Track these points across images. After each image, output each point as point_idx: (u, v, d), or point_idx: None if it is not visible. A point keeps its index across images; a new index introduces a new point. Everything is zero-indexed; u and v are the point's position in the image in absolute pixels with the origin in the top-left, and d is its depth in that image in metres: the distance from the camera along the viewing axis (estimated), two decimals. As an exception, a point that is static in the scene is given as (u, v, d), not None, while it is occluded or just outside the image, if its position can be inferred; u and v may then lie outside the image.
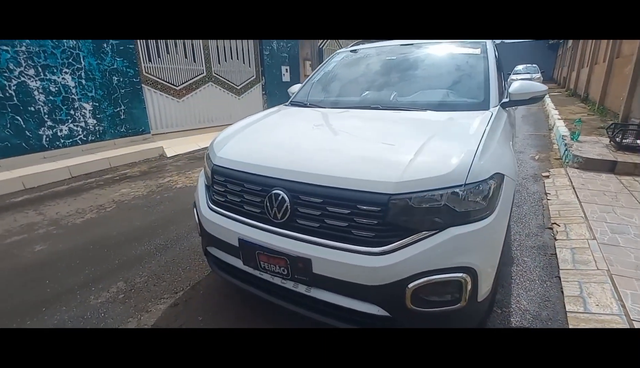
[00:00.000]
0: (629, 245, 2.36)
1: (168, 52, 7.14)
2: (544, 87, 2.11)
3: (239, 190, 1.60)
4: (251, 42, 9.41)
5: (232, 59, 8.91)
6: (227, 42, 8.62)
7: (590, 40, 11.95)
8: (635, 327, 1.63)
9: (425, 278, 1.23)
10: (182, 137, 7.33)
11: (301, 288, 1.47)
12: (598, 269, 2.11)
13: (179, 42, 7.35)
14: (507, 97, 2.11)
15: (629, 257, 2.21)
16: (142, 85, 6.57)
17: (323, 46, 12.36)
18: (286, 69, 10.66)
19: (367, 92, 2.34)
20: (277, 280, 1.53)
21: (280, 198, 1.42)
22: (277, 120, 2.20)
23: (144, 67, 6.67)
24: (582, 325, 1.70)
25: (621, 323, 1.66)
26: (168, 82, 7.26)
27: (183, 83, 7.63)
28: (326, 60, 3.04)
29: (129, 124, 6.34)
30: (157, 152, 6.06)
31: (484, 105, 1.97)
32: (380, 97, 2.26)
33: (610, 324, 1.67)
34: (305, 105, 2.47)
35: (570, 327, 1.71)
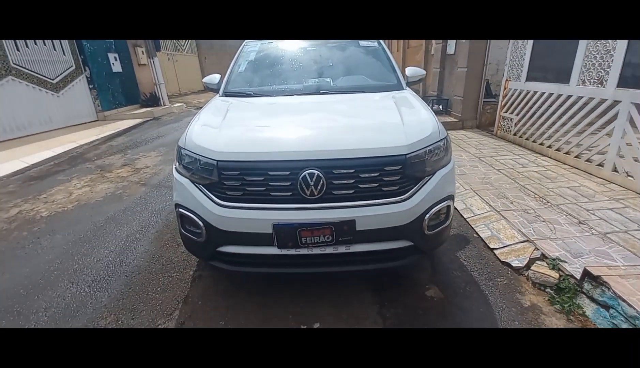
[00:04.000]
0: (487, 186, 3.67)
1: None
2: (424, 71, 2.97)
3: (262, 179, 1.64)
4: (60, 22, 7.37)
5: (36, 45, 6.82)
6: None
7: (383, 34, 15.42)
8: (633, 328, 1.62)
9: (434, 209, 1.74)
10: (-14, 154, 5.24)
11: (341, 249, 1.73)
12: (465, 189, 3.25)
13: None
14: (406, 80, 2.85)
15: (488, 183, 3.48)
16: None
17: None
18: (115, 57, 9.02)
19: (312, 80, 2.61)
20: (317, 250, 1.72)
21: (315, 176, 1.60)
22: (249, 109, 2.25)
23: None
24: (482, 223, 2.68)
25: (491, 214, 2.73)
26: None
27: (-36, 79, 5.37)
28: (240, 50, 3.04)
29: None
30: (-41, 181, 4.21)
31: (399, 86, 2.63)
32: (322, 83, 2.59)
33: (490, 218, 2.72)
34: (249, 95, 2.50)
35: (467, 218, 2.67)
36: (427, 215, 1.73)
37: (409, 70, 2.84)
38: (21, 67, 6.42)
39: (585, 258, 2.03)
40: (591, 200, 2.81)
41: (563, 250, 2.14)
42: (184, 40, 14.70)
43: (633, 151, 2.92)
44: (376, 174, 1.65)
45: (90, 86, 8.16)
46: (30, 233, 2.94)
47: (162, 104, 10.03)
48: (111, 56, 8.84)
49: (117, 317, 1.91)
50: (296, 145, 1.68)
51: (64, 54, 7.50)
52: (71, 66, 7.67)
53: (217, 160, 1.68)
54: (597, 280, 1.73)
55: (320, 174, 1.60)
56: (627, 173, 2.99)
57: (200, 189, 1.75)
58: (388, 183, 1.67)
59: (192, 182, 1.78)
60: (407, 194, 1.69)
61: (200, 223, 1.73)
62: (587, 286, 1.78)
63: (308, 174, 1.60)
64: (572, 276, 1.90)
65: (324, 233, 1.65)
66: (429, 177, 1.76)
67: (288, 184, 1.63)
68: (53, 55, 7.20)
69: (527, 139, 4.55)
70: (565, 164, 3.74)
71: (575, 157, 3.61)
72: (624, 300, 1.55)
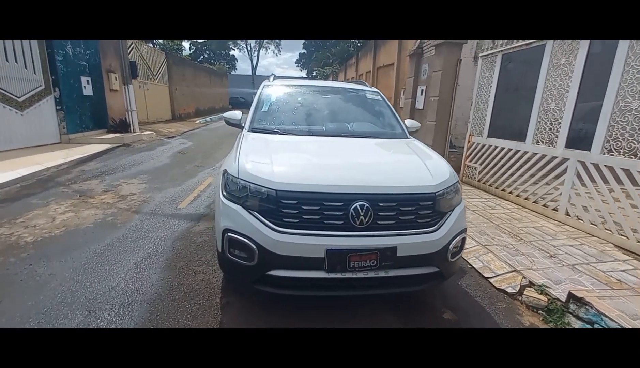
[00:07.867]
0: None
1: None
2: (419, 124, 3.46)
3: (317, 208, 1.85)
4: (34, 42, 7.11)
5: (7, 61, 6.46)
6: (-2, 36, 6.18)
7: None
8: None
9: (456, 239, 2.06)
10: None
11: (381, 273, 1.94)
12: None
13: None
14: (406, 129, 3.30)
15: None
16: None
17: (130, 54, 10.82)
18: (87, 81, 8.75)
19: (332, 123, 2.94)
20: (361, 275, 1.91)
21: (365, 208, 1.85)
22: (288, 145, 2.50)
23: None
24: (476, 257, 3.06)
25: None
26: None
27: None
28: (259, 92, 3.30)
29: None
30: None
31: (404, 135, 3.05)
32: (342, 127, 2.94)
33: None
34: (276, 132, 2.73)
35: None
36: (451, 245, 2.04)
37: (408, 122, 3.30)
38: (-13, 82, 6.00)
39: (563, 285, 2.46)
40: (554, 238, 3.37)
41: (545, 278, 2.56)
42: (156, 70, 14.61)
43: (581, 200, 3.60)
44: (413, 208, 1.95)
45: (58, 107, 7.74)
46: (20, 260, 2.72)
47: (133, 131, 9.71)
48: (84, 79, 8.54)
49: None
50: (348, 181, 1.93)
51: (35, 73, 7.13)
52: (40, 86, 7.28)
53: (277, 190, 1.86)
54: (580, 301, 2.13)
55: (369, 206, 1.86)
56: (577, 217, 3.65)
57: (254, 215, 1.89)
58: (422, 216, 1.97)
59: (245, 208, 1.92)
60: (436, 226, 1.99)
61: (254, 247, 1.85)
62: (572, 306, 2.17)
63: (359, 205, 1.85)
64: (558, 299, 2.29)
65: (370, 258, 1.87)
66: (449, 213, 2.09)
67: (340, 213, 1.85)
68: (23, 73, 6.82)
69: (490, 185, 5.26)
70: (525, 207, 4.40)
71: (534, 202, 4.29)
72: (606, 316, 1.95)
